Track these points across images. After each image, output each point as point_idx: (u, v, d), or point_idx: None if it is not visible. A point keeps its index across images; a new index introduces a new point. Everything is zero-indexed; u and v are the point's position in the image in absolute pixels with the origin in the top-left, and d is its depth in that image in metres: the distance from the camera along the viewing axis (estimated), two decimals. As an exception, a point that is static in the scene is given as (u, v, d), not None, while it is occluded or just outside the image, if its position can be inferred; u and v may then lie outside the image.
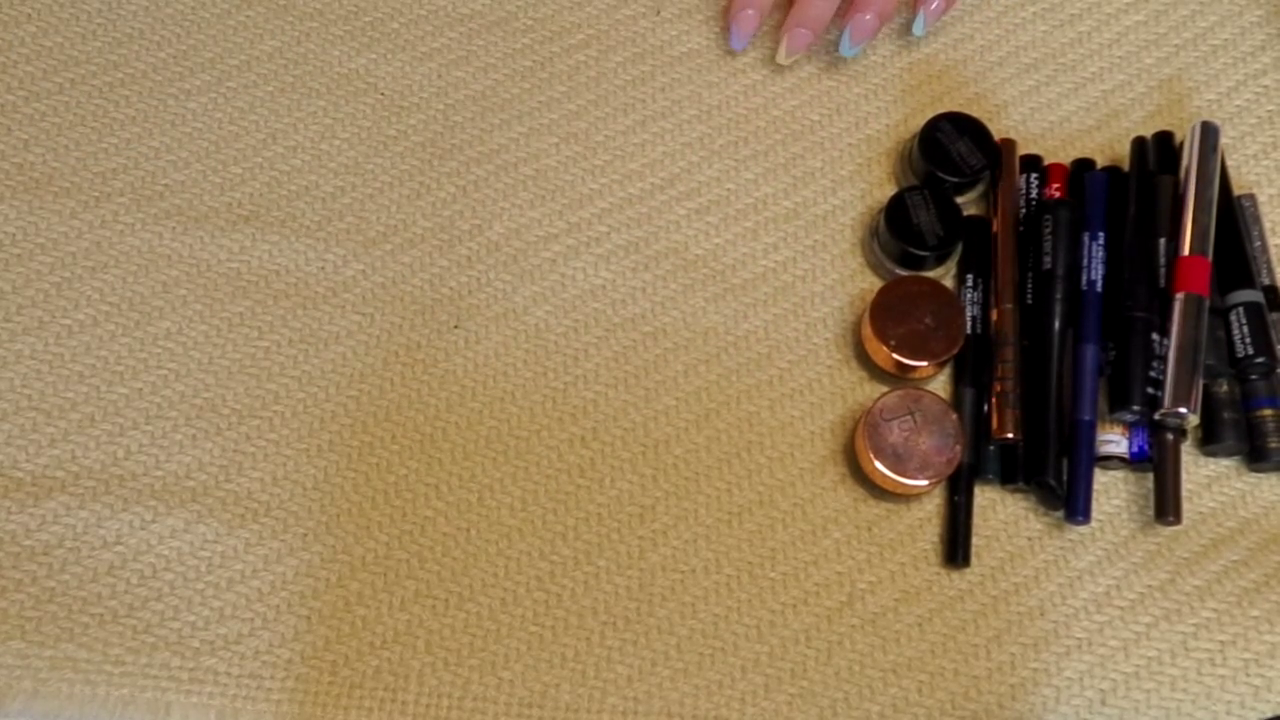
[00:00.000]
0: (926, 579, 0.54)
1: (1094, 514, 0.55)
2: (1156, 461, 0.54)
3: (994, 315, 0.57)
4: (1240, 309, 0.56)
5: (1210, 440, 0.55)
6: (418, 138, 0.62)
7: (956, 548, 0.54)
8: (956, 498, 0.55)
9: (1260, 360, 0.55)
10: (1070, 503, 0.54)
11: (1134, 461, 0.55)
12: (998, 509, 0.55)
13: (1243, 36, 0.65)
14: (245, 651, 0.52)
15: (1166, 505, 0.53)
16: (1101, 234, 0.58)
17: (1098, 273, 0.57)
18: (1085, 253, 0.58)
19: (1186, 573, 0.54)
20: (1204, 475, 0.56)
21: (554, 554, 0.54)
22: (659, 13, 0.65)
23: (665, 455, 0.56)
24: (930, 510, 0.55)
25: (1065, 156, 0.62)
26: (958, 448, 0.53)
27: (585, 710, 0.52)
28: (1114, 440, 0.55)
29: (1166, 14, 0.65)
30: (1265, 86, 0.64)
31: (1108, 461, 0.55)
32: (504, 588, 0.53)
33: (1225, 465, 0.56)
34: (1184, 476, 0.55)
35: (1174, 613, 0.54)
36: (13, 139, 0.61)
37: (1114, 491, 0.55)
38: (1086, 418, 0.55)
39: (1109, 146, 0.62)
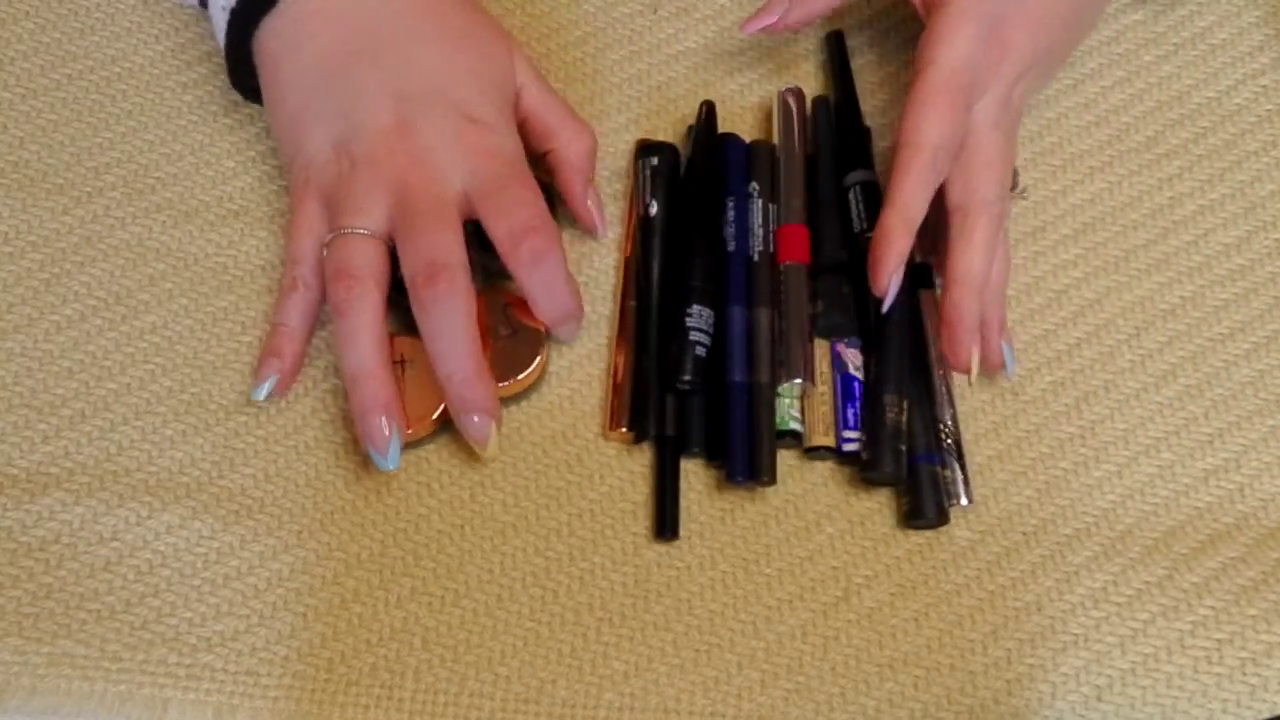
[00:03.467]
0: (923, 574, 0.56)
1: (1092, 510, 0.57)
2: (754, 421, 0.57)
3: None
4: (857, 188, 0.61)
5: (870, 467, 0.57)
6: (410, 133, 0.65)
7: (664, 520, 0.57)
8: (662, 469, 0.58)
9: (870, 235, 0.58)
10: (728, 463, 0.56)
11: (841, 455, 0.58)
12: (990, 505, 0.58)
13: (1241, 36, 0.68)
14: (242, 648, 0.54)
15: (762, 465, 0.56)
16: (732, 198, 0.61)
17: (737, 234, 0.61)
18: (724, 216, 0.61)
19: (1184, 569, 0.56)
20: (1200, 469, 0.58)
21: (549, 550, 0.56)
22: (655, 11, 0.67)
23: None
24: (926, 505, 0.58)
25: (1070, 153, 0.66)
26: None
27: (582, 706, 0.54)
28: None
29: (1165, 13, 0.68)
30: (1264, 86, 0.67)
31: (817, 452, 0.58)
32: (499, 584, 0.56)
33: (1222, 458, 0.59)
34: (1179, 471, 0.58)
35: (1171, 609, 0.56)
36: (9, 136, 0.63)
37: (1108, 487, 0.58)
38: (737, 379, 0.57)
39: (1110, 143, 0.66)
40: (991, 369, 0.59)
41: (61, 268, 0.61)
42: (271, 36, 0.58)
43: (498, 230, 0.55)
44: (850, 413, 0.58)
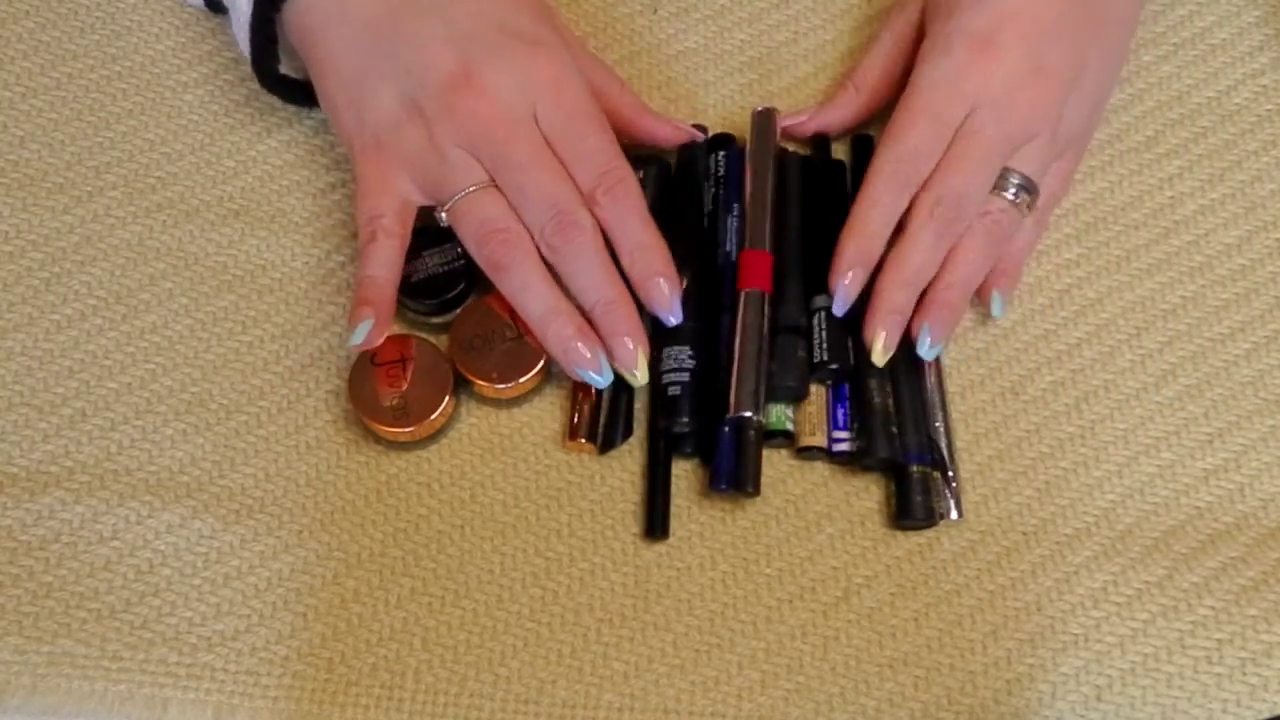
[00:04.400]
0: (923, 573, 0.57)
1: (1092, 510, 0.58)
2: (739, 453, 0.56)
3: None
4: (822, 313, 0.59)
5: (865, 454, 0.57)
6: (410, 133, 0.65)
7: (655, 520, 0.57)
8: (656, 468, 0.58)
9: (834, 367, 0.57)
10: (714, 470, 0.56)
11: (832, 455, 0.58)
12: (990, 505, 0.58)
13: (1241, 36, 0.68)
14: (242, 648, 0.54)
15: (745, 479, 0.56)
16: (736, 205, 0.61)
17: (732, 245, 0.60)
18: (722, 226, 0.61)
19: (1184, 568, 0.57)
20: (1200, 469, 0.59)
21: (549, 550, 0.57)
22: (655, 11, 0.68)
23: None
24: (927, 505, 0.58)
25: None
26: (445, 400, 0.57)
27: (582, 706, 0.54)
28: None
29: (1165, 14, 0.68)
30: (1264, 86, 0.67)
31: (809, 452, 0.58)
32: (499, 584, 0.56)
33: (1222, 458, 0.59)
34: (1179, 471, 0.59)
35: (1171, 609, 0.56)
36: (9, 136, 0.63)
37: (1108, 487, 0.58)
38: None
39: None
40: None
41: (61, 267, 0.61)
42: (307, 13, 0.58)
43: (580, 179, 0.57)
44: (840, 413, 0.58)
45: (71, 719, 0.54)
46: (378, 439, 0.58)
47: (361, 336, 0.56)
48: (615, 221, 0.57)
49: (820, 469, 0.59)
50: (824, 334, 0.58)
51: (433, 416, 0.56)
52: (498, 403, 0.59)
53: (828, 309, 0.58)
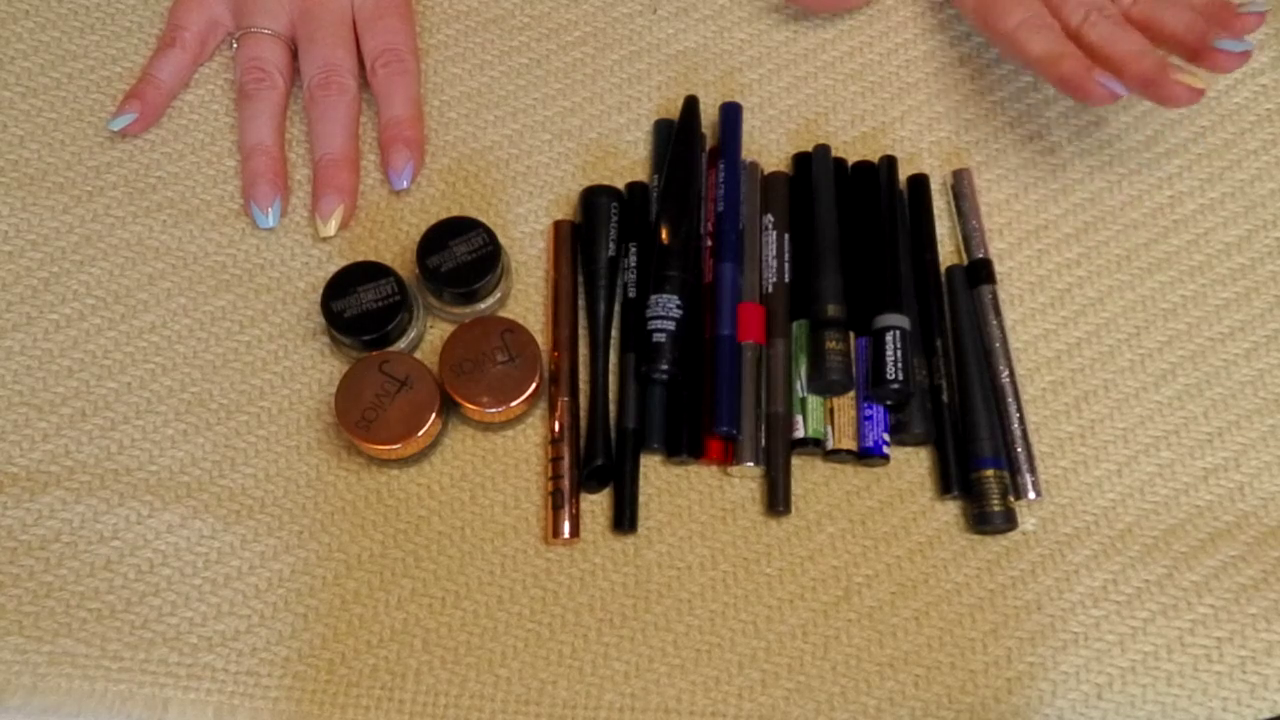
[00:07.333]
0: (923, 572, 0.57)
1: (1091, 509, 0.58)
2: (769, 460, 0.58)
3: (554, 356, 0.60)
4: (896, 333, 0.59)
5: (900, 430, 0.58)
6: (410, 133, 0.65)
7: (624, 515, 0.57)
8: (626, 467, 0.58)
9: (896, 387, 0.57)
10: (715, 411, 0.57)
11: (863, 456, 0.58)
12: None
13: (1240, 35, 0.69)
14: (242, 648, 0.55)
15: (776, 499, 0.57)
16: (721, 163, 0.62)
17: (727, 196, 0.61)
18: (717, 181, 0.62)
19: (1184, 567, 0.57)
20: (1200, 467, 0.59)
21: (549, 551, 0.57)
22: (655, 11, 0.68)
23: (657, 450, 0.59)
24: (925, 503, 0.58)
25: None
26: (431, 418, 0.56)
27: (582, 707, 0.54)
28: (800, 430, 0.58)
29: (1164, 11, 0.69)
30: (1263, 85, 0.67)
31: (838, 455, 0.58)
32: (500, 585, 0.56)
33: (1222, 457, 0.59)
34: (1178, 470, 0.59)
35: (1171, 608, 0.56)
36: (9, 136, 0.63)
37: (1108, 486, 0.58)
38: (725, 333, 0.58)
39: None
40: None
41: (61, 266, 0.61)
42: None
43: (366, 48, 0.64)
44: (883, 414, 0.58)
45: (72, 719, 0.54)
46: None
47: (120, 125, 0.62)
48: (384, 92, 0.64)
49: (821, 469, 0.59)
50: (898, 353, 0.58)
51: (419, 434, 0.56)
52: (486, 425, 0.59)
53: (901, 329, 0.59)
